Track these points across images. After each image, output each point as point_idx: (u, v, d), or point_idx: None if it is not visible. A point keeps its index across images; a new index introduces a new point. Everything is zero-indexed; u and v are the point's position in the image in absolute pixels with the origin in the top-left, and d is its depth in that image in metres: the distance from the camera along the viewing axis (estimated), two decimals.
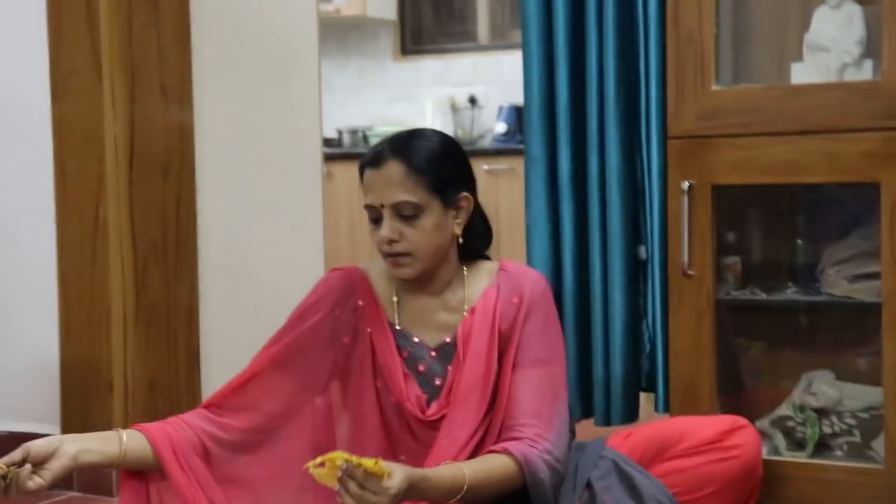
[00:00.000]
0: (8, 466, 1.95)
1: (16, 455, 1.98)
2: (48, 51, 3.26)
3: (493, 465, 2.10)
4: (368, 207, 2.20)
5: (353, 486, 1.88)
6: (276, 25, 3.41)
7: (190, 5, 3.36)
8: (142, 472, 2.15)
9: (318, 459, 1.89)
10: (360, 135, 6.25)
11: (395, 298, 2.31)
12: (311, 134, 3.42)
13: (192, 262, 3.51)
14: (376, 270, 2.32)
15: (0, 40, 3.41)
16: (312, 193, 3.46)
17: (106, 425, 3.28)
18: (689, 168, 2.73)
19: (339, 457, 1.86)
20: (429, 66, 6.33)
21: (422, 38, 6.38)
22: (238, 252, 3.66)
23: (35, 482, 1.96)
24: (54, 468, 1.99)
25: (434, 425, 2.24)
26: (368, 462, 1.86)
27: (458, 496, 2.05)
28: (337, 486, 1.89)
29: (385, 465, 1.89)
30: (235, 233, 3.64)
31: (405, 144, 2.21)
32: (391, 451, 2.25)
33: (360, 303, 2.31)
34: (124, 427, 3.21)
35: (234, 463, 2.20)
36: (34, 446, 2.00)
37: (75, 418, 3.33)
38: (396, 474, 1.92)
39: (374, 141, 6.03)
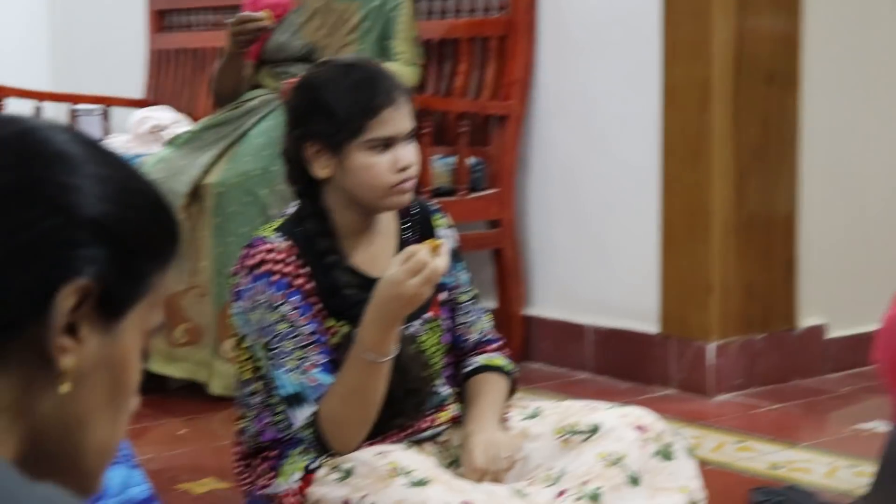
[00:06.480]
0: None
1: None
2: None
3: None
4: None
5: None
6: None
7: None
8: None
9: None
10: None
11: None
12: None
13: (792, 170, 3.49)
14: None
15: None
16: None
17: (703, 328, 3.37)
18: None
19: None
20: None
21: None
22: (841, 160, 3.59)
23: None
24: None
25: None
26: None
27: None
28: None
29: None
30: (839, 141, 3.58)
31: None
32: None
33: None
34: (720, 331, 3.29)
35: None
36: None
37: (673, 319, 3.44)
38: None
39: None
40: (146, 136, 4.20)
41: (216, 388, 3.22)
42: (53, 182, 0.84)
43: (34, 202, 0.83)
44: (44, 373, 0.83)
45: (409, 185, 2.17)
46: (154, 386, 3.23)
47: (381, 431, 2.16)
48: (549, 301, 3.78)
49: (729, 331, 3.38)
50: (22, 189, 0.83)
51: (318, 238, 2.16)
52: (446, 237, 2.27)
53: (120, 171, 0.88)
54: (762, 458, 2.79)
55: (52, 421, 0.84)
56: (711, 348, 3.35)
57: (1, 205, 0.82)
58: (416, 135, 2.20)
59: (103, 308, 0.85)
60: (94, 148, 0.88)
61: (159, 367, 3.28)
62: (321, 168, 2.15)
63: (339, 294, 2.16)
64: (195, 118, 4.26)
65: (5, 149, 0.85)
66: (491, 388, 2.28)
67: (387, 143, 2.13)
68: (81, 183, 0.85)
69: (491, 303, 3.68)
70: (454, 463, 2.22)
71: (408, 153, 2.15)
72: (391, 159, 2.13)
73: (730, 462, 2.77)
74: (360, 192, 2.14)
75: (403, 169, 2.14)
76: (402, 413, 2.18)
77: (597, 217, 3.64)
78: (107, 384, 0.87)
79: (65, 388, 0.83)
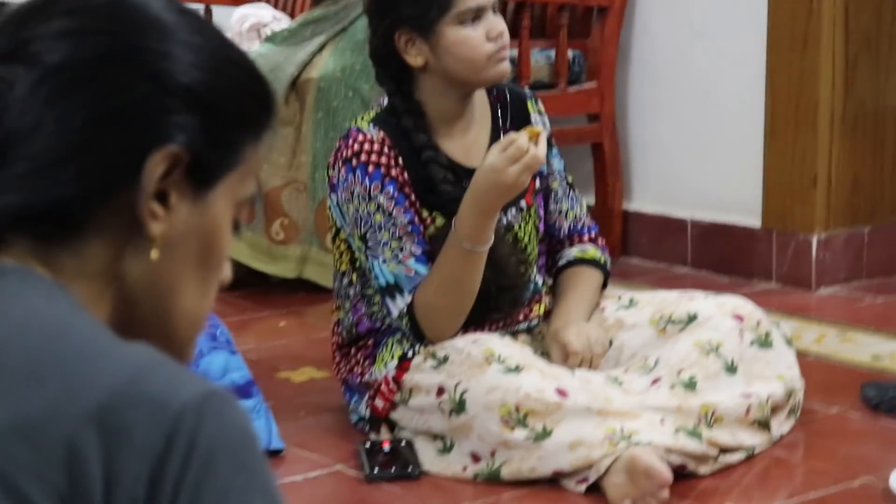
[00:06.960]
0: None
1: None
2: None
3: None
4: None
5: None
6: None
7: None
8: None
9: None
10: None
11: None
12: None
13: None
14: None
15: None
16: None
17: (807, 221, 3.31)
18: None
19: None
20: None
21: None
22: None
23: None
24: None
25: None
26: None
27: None
28: None
29: None
30: None
31: None
32: None
33: None
34: (824, 224, 3.23)
35: None
36: None
37: (776, 212, 3.38)
38: None
39: None
40: (247, 33, 4.21)
41: (328, 281, 3.22)
42: (146, 48, 0.84)
43: (127, 67, 0.83)
44: (135, 239, 0.84)
45: (505, 52, 2.16)
46: (255, 279, 3.27)
47: (476, 325, 2.17)
48: (648, 195, 3.74)
49: (834, 223, 3.31)
50: (115, 54, 0.83)
51: (415, 133, 2.16)
52: (539, 123, 2.26)
53: (213, 40, 0.88)
54: (864, 349, 2.75)
55: (143, 287, 0.86)
56: (815, 241, 3.29)
57: (94, 69, 0.83)
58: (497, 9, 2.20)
59: (193, 177, 0.85)
60: (188, 16, 0.88)
61: (261, 265, 3.30)
62: (414, 56, 2.14)
63: (435, 188, 2.16)
64: (293, 16, 4.26)
65: (100, 13, 0.85)
66: (581, 282, 2.28)
67: (476, 15, 2.12)
68: (174, 50, 0.84)
69: (589, 197, 3.65)
70: (547, 355, 2.22)
71: (498, 22, 2.15)
72: (483, 30, 2.13)
73: (831, 353, 2.73)
74: (458, 70, 2.14)
75: (497, 37, 2.13)
76: (497, 308, 2.19)
77: (699, 108, 3.57)
78: (196, 253, 0.88)
79: (154, 254, 0.85)
